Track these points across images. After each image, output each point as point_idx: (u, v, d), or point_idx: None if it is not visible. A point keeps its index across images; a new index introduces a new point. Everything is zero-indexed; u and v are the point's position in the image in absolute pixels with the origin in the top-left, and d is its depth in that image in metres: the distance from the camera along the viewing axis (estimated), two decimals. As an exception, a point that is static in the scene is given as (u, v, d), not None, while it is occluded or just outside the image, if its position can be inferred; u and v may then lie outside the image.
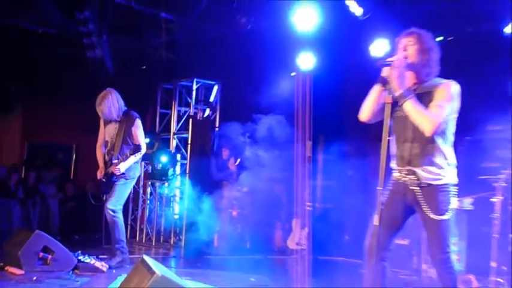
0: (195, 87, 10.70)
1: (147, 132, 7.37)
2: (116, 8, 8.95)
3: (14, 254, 6.13)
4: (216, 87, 10.80)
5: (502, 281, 6.51)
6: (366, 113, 4.21)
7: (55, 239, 6.47)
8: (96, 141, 7.15)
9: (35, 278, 5.75)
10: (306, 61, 9.66)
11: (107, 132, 6.99)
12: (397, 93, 3.91)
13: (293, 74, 10.01)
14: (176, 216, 10.58)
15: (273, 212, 10.27)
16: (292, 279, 8.08)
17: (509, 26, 8.20)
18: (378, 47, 8.53)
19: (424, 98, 4.02)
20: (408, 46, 4.10)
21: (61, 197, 11.00)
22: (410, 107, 3.90)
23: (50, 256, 6.24)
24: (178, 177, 10.78)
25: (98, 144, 7.10)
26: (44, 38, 8.99)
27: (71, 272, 6.21)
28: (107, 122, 7.00)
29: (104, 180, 6.91)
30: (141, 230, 10.75)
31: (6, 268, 6.10)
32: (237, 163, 9.99)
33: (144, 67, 10.57)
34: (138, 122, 6.97)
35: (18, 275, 5.89)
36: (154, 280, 3.75)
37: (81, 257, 6.52)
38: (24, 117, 12.03)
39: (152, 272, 3.81)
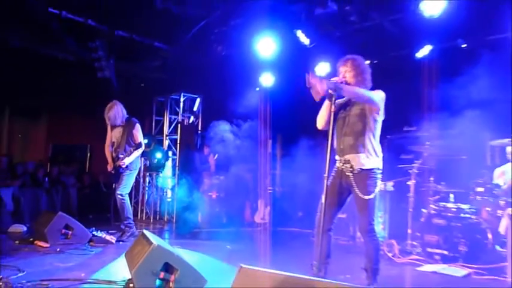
0: (182, 99, 10.74)
1: (145, 134, 7.40)
2: (120, 39, 8.97)
3: (41, 231, 6.13)
4: (198, 100, 10.84)
5: (415, 243, 6.64)
6: (320, 122, 4.29)
7: (74, 218, 6.47)
8: (105, 142, 7.17)
9: (58, 249, 5.76)
10: (267, 79, 9.79)
11: (114, 135, 7.03)
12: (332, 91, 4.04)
13: (257, 89, 10.10)
14: (169, 200, 10.59)
15: (243, 195, 10.33)
16: (258, 245, 8.16)
17: (420, 51, 8.38)
18: (321, 69, 8.64)
19: (359, 103, 4.16)
20: (346, 72, 4.22)
21: (79, 186, 10.95)
22: (347, 88, 4.08)
23: (70, 232, 6.25)
24: (170, 168, 10.78)
25: (106, 144, 7.12)
26: (64, 63, 8.96)
27: (86, 244, 6.26)
28: (113, 127, 7.04)
29: (113, 172, 6.94)
30: (142, 210, 10.75)
31: (35, 242, 6.09)
32: (215, 157, 10.02)
33: (143, 84, 10.57)
34: (138, 126, 7.05)
35: (45, 247, 5.89)
36: (152, 249, 3.77)
37: (95, 232, 6.56)
38: (49, 124, 11.97)
39: (150, 243, 3.84)
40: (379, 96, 4.12)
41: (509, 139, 6.24)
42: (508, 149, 6.45)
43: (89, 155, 12.67)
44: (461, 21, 7.49)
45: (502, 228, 5.92)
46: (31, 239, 6.24)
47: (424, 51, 8.35)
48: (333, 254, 4.30)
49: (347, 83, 4.15)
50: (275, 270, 2.85)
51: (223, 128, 9.54)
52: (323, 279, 3.58)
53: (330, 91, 4.06)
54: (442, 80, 8.32)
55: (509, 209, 5.88)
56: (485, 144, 7.36)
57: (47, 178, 10.52)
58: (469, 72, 7.59)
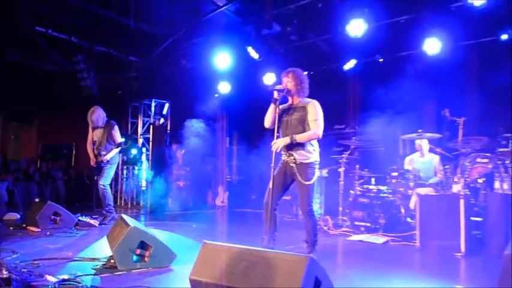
0: (153, 104, 10.56)
1: (122, 134, 7.23)
2: (100, 54, 8.77)
3: (33, 218, 5.91)
4: (167, 104, 10.67)
5: (345, 218, 6.76)
6: (267, 122, 4.30)
7: (62, 206, 6.27)
8: (87, 140, 6.99)
9: (48, 233, 5.56)
10: (224, 87, 9.75)
11: (95, 135, 6.87)
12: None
13: (216, 95, 10.06)
14: (144, 188, 10.41)
15: (206, 183, 10.31)
16: (219, 224, 8.16)
17: (347, 64, 8.53)
18: (268, 79, 8.68)
19: (300, 110, 4.20)
20: (288, 82, 4.24)
21: (65, 179, 10.62)
22: (299, 138, 4.09)
23: (58, 218, 6.03)
24: (145, 161, 10.61)
25: (88, 142, 6.94)
26: (51, 74, 8.69)
27: (73, 227, 6.06)
28: (95, 128, 6.88)
29: (95, 166, 6.77)
30: (121, 198, 10.51)
31: (27, 228, 5.86)
32: (182, 152, 9.93)
33: (120, 92, 10.33)
34: (116, 128, 6.92)
35: (36, 232, 5.67)
36: (130, 230, 3.73)
37: (80, 218, 6.39)
38: (39, 127, 11.57)
39: (128, 225, 3.79)
40: (320, 119, 4.17)
41: (416, 134, 6.43)
42: (417, 141, 6.65)
43: (74, 152, 12.30)
44: (378, 40, 7.68)
45: (412, 204, 6.12)
46: (24, 225, 6.01)
47: (350, 65, 8.49)
48: (280, 229, 4.33)
49: (288, 90, 4.19)
50: (233, 244, 2.86)
51: (191, 127, 9.48)
52: (272, 250, 3.62)
53: (275, 96, 4.10)
54: (364, 88, 8.53)
55: (417, 189, 6.09)
56: (397, 138, 7.56)
57: (37, 173, 10.19)
58: (385, 81, 7.80)
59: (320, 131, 4.12)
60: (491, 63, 6.96)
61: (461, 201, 4.93)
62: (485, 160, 5.76)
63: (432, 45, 7.11)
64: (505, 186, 5.30)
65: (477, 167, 5.80)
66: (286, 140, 4.09)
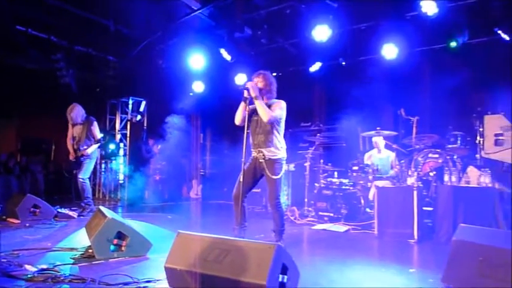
0: (130, 102, 10.34)
1: (101, 130, 7.04)
2: (79, 53, 8.54)
3: (13, 210, 5.68)
4: (144, 102, 10.46)
5: (310, 209, 6.83)
6: (238, 119, 4.28)
7: (41, 199, 6.06)
8: (66, 136, 6.79)
9: (27, 224, 5.38)
10: (198, 86, 9.65)
11: (75, 131, 6.68)
12: (253, 96, 4.04)
13: (191, 94, 9.96)
14: (121, 181, 10.21)
15: (181, 176, 10.21)
16: (193, 215, 8.10)
17: (313, 67, 8.57)
18: (240, 79, 8.65)
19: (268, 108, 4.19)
20: (258, 82, 4.23)
21: (45, 173, 10.29)
22: (258, 104, 4.07)
23: (37, 210, 5.83)
24: (122, 156, 10.41)
25: (68, 138, 6.74)
26: (31, 71, 8.38)
27: (52, 219, 5.88)
28: (74, 125, 6.69)
29: (74, 160, 6.59)
30: (99, 190, 10.28)
31: (7, 219, 5.65)
32: (158, 147, 9.79)
33: (98, 89, 10.06)
34: (95, 124, 6.73)
35: (16, 223, 5.48)
36: (107, 221, 3.66)
37: (59, 210, 6.20)
38: (19, 122, 11.13)
39: (105, 216, 3.71)
40: (278, 112, 4.16)
41: (374, 131, 6.54)
42: (373, 138, 6.77)
43: (53, 147, 11.93)
44: (341, 45, 7.78)
45: (371, 195, 6.23)
46: (4, 217, 5.77)
47: (315, 67, 8.54)
48: (250, 219, 4.33)
49: (260, 89, 4.18)
50: (206, 234, 2.83)
51: (167, 124, 9.38)
52: (242, 239, 3.61)
53: (249, 95, 4.08)
54: (328, 88, 8.61)
55: (375, 181, 6.20)
56: (358, 135, 7.67)
57: (17, 166, 9.84)
58: (347, 83, 7.90)
59: (272, 115, 4.09)
60: (442, 67, 7.14)
61: (415, 193, 5.05)
62: (436, 155, 5.92)
63: (390, 51, 7.23)
64: (453, 178, 5.45)
65: (429, 162, 5.95)
66: (256, 90, 4.06)
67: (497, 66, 6.43)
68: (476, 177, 5.44)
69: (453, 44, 6.73)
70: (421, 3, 6.20)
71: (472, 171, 5.61)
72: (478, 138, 6.09)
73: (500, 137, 6.08)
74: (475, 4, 6.40)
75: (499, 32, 6.52)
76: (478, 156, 6.05)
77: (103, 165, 10.39)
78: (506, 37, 6.53)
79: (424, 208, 5.45)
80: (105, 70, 9.48)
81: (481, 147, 6.09)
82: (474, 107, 6.32)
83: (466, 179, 5.50)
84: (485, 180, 5.30)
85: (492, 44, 6.86)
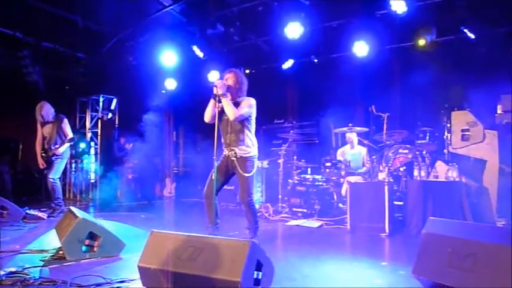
0: (101, 100, 10.13)
1: (71, 129, 6.85)
2: (46, 49, 8.28)
3: (-21, 212, 5.49)
4: (115, 100, 10.27)
5: (284, 205, 6.86)
6: (207, 117, 4.25)
7: (8, 200, 5.86)
8: (35, 136, 6.57)
9: (-6, 227, 5.21)
10: (170, 84, 9.56)
11: (45, 131, 6.47)
12: (219, 94, 4.02)
13: (163, 91, 9.85)
14: (92, 181, 9.99)
15: (154, 174, 10.07)
16: (166, 213, 8.02)
17: (285, 64, 8.61)
18: (212, 76, 8.61)
19: (237, 106, 4.16)
20: (228, 80, 4.21)
21: (12, 173, 9.95)
22: (225, 101, 4.04)
23: (4, 212, 5.63)
24: (93, 154, 10.18)
25: (38, 139, 6.51)
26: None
27: (21, 221, 5.69)
28: (44, 124, 6.48)
29: (43, 164, 6.40)
30: (70, 191, 10.03)
31: (-27, 222, 5.45)
32: (130, 146, 9.63)
33: (67, 87, 9.79)
34: (66, 121, 6.55)
35: (-18, 226, 5.29)
36: (78, 221, 3.58)
37: (28, 211, 6.01)
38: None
39: (76, 217, 3.64)
40: (245, 110, 4.13)
41: (347, 128, 6.62)
42: (347, 134, 6.86)
43: (21, 146, 11.55)
44: (313, 42, 7.84)
45: (343, 191, 6.31)
46: (-30, 220, 5.57)
47: (288, 64, 8.58)
48: (224, 216, 4.34)
49: (229, 87, 4.16)
50: (180, 232, 2.81)
51: (139, 122, 9.24)
52: (216, 236, 3.60)
53: (217, 93, 4.05)
54: (301, 85, 8.67)
55: (348, 177, 6.29)
56: (330, 131, 7.76)
57: (-17, 167, 9.48)
58: (319, 80, 7.98)
59: (239, 114, 4.07)
60: (411, 65, 7.30)
61: (386, 188, 5.15)
62: (406, 151, 6.06)
63: (360, 48, 7.33)
64: (423, 173, 5.60)
65: (399, 157, 6.08)
66: (223, 88, 4.04)
67: (464, 63, 6.63)
68: (444, 172, 5.60)
69: (421, 42, 6.89)
70: (391, 2, 6.31)
71: (440, 165, 5.77)
72: (445, 133, 6.27)
73: (467, 132, 6.28)
74: (442, 3, 6.57)
75: (465, 30, 6.72)
76: (445, 151, 6.23)
77: (73, 165, 10.14)
78: (472, 36, 6.74)
79: (395, 202, 5.58)
80: (74, 67, 9.22)
81: (449, 142, 6.28)
82: (442, 104, 6.50)
83: (434, 173, 5.66)
84: (453, 174, 5.46)
85: (458, 42, 7.06)
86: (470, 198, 5.48)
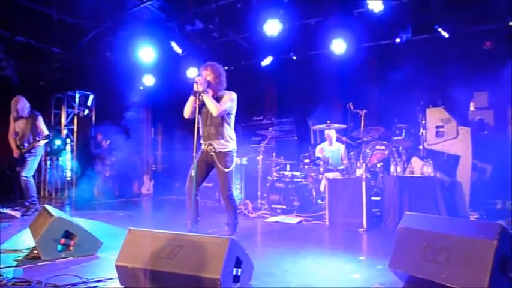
0: (77, 96, 9.92)
1: (45, 125, 6.68)
2: (20, 44, 8.06)
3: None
4: (91, 96, 10.08)
5: (263, 202, 6.87)
6: (187, 113, 4.20)
7: (-20, 200, 5.69)
8: (6, 132, 6.38)
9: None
10: (149, 80, 9.45)
11: (17, 126, 6.28)
12: (200, 91, 3.99)
13: (141, 87, 9.72)
14: (68, 179, 9.80)
15: (132, 172, 9.94)
16: (144, 211, 7.93)
17: (264, 61, 8.61)
18: (191, 72, 8.55)
19: (218, 100, 4.15)
20: (207, 75, 4.17)
21: (-16, 170, 9.67)
22: (206, 98, 4.02)
23: (-24, 211, 5.48)
24: (69, 152, 9.97)
25: (10, 134, 6.33)
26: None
27: (-7, 220, 5.54)
28: (17, 118, 6.29)
29: (18, 157, 6.22)
30: (44, 189, 9.82)
31: None
32: (107, 143, 9.47)
33: (42, 83, 9.55)
34: (41, 118, 6.37)
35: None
36: (53, 220, 3.49)
37: (0, 210, 5.85)
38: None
39: (51, 215, 3.55)
40: (228, 104, 4.13)
41: (325, 125, 6.67)
42: (326, 131, 6.91)
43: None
44: (292, 40, 7.87)
45: (322, 187, 6.37)
46: None
47: (267, 61, 8.59)
48: (203, 213, 4.30)
49: (210, 83, 4.13)
50: (158, 230, 2.78)
51: (116, 118, 9.10)
52: (195, 234, 3.58)
53: (197, 89, 4.02)
54: (280, 82, 8.69)
55: (326, 173, 6.35)
56: (309, 128, 7.81)
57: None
58: (298, 77, 8.02)
59: (221, 108, 4.05)
60: (388, 63, 7.41)
61: (363, 184, 5.22)
62: (383, 147, 6.15)
63: (338, 46, 7.40)
64: (399, 169, 5.69)
65: (376, 154, 6.16)
66: (204, 85, 4.01)
67: (438, 62, 6.76)
68: (419, 167, 5.71)
69: (397, 40, 7.00)
70: (368, 0, 6.39)
71: (415, 161, 5.88)
72: (421, 130, 6.39)
73: (441, 129, 6.42)
74: (417, 3, 6.68)
75: (439, 29, 6.86)
76: (421, 147, 6.35)
77: (48, 162, 9.92)
78: (446, 34, 6.88)
79: (372, 198, 5.65)
80: (49, 62, 9.01)
81: (424, 138, 6.40)
82: (417, 101, 6.61)
83: (410, 169, 5.77)
84: (428, 170, 5.57)
85: (433, 40, 7.20)
86: (445, 193, 5.61)
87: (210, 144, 4.14)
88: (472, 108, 6.94)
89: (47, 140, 6.37)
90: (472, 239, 2.32)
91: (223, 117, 4.14)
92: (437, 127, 6.44)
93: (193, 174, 4.04)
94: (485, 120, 6.64)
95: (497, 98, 6.62)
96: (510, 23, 6.37)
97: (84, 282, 2.85)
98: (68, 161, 9.95)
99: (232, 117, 4.26)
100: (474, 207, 6.06)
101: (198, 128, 4.14)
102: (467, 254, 2.28)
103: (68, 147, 9.95)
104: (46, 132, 6.35)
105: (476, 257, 2.22)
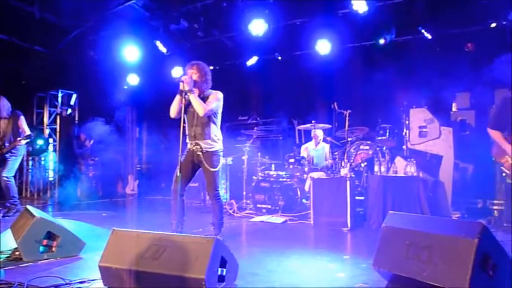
0: (60, 95, 9.78)
1: (28, 124, 6.56)
2: (1, 42, 7.91)
3: None
4: (75, 95, 9.94)
5: (248, 201, 6.87)
6: (173, 112, 4.16)
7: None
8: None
9: None
10: (133, 79, 9.37)
11: None
12: (186, 90, 3.96)
13: (125, 87, 9.63)
14: (51, 179, 9.65)
15: (116, 172, 9.83)
16: (128, 211, 7.86)
17: (249, 61, 8.61)
18: (176, 72, 8.50)
19: (204, 100, 4.13)
20: (193, 74, 4.14)
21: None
22: (193, 98, 4.00)
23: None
24: (52, 152, 9.82)
25: None
26: None
27: (-27, 221, 5.41)
28: None
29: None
30: (26, 189, 9.65)
31: None
32: (91, 142, 9.35)
33: (24, 82, 9.38)
34: (23, 118, 6.25)
35: None
36: (35, 221, 3.43)
37: (-20, 210, 5.73)
38: None
39: (33, 216, 3.48)
40: (214, 104, 4.11)
41: (310, 124, 6.70)
42: (313, 131, 6.93)
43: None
44: (277, 40, 7.89)
45: (307, 186, 6.40)
46: None
47: (252, 61, 8.59)
48: (188, 213, 4.28)
49: (196, 82, 4.11)
50: (142, 230, 2.76)
51: (100, 118, 9.01)
52: (181, 234, 3.56)
53: (184, 88, 3.99)
54: (265, 82, 8.69)
55: (311, 173, 6.38)
56: (294, 128, 7.83)
57: None
58: (283, 77, 8.04)
59: (208, 109, 4.04)
60: (372, 63, 7.48)
61: (348, 183, 5.26)
62: (367, 147, 6.21)
63: (323, 46, 7.45)
64: (383, 169, 5.75)
65: (360, 153, 6.22)
66: (190, 84, 3.98)
67: (421, 63, 6.85)
68: (403, 167, 5.78)
69: (381, 41, 7.07)
70: (352, 1, 6.45)
71: (399, 161, 5.96)
72: (404, 130, 6.46)
73: (424, 129, 6.51)
74: (401, 4, 6.76)
75: (422, 30, 6.96)
76: (404, 147, 6.43)
77: (30, 163, 9.75)
78: (429, 36, 6.98)
79: (357, 197, 5.70)
80: (31, 61, 8.85)
81: (407, 138, 6.47)
82: (401, 101, 6.69)
83: (394, 168, 5.83)
84: (411, 169, 5.65)
85: (416, 41, 7.30)
86: (427, 192, 5.69)
87: (197, 144, 4.12)
88: (454, 109, 7.05)
89: (28, 140, 6.25)
90: (453, 237, 2.36)
91: (209, 117, 4.12)
92: (420, 127, 6.53)
93: (178, 174, 4.01)
94: (467, 121, 6.75)
95: (478, 99, 6.74)
96: (491, 25, 6.49)
97: (67, 284, 2.81)
98: (50, 161, 9.80)
99: (219, 116, 4.25)
100: (456, 206, 6.16)
101: (184, 127, 4.12)
102: (449, 252, 2.31)
103: (51, 147, 9.80)
104: (28, 131, 6.23)
105: (458, 255, 2.26)
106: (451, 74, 6.74)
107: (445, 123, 6.49)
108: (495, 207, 5.82)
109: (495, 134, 3.76)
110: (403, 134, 6.46)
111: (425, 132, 6.48)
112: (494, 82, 6.12)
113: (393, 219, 2.81)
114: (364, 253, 3.85)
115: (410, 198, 5.31)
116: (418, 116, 6.60)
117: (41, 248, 3.45)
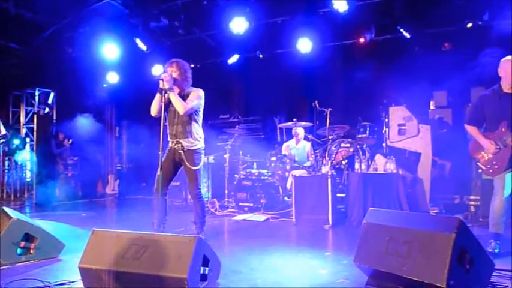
0: (37, 93, 9.57)
1: (3, 124, 6.39)
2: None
3: None
4: (52, 94, 9.75)
5: (230, 200, 6.86)
6: (153, 111, 4.11)
7: None
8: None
9: None
10: (112, 77, 9.25)
11: None
12: (166, 88, 3.93)
13: (104, 85, 9.49)
14: (28, 179, 9.44)
15: (95, 171, 9.68)
16: (109, 211, 7.76)
17: (231, 59, 8.59)
18: (156, 70, 8.43)
19: (185, 98, 4.10)
20: (172, 72, 4.10)
21: None
22: (173, 96, 3.96)
23: None
24: (29, 152, 9.61)
25: None
26: None
27: None
28: None
29: None
30: (3, 190, 9.43)
31: None
32: (70, 142, 9.19)
33: (-1, 80, 9.17)
34: None
35: None
36: (12, 222, 3.37)
37: (-46, 212, 5.55)
38: None
39: (10, 218, 3.41)
40: (195, 102, 4.08)
41: (291, 123, 6.73)
42: (294, 129, 6.96)
43: None
44: (258, 38, 7.90)
45: (288, 184, 6.43)
46: None
47: (233, 59, 8.57)
48: (170, 213, 4.26)
49: (176, 80, 4.07)
50: (123, 231, 2.73)
51: (79, 117, 8.85)
52: (162, 233, 3.53)
53: (163, 87, 3.95)
54: (246, 81, 8.70)
55: (293, 171, 6.41)
56: (275, 126, 7.85)
57: None
58: (264, 75, 8.05)
59: (187, 107, 4.01)
60: (352, 62, 7.55)
61: (329, 181, 5.31)
62: (348, 145, 6.28)
63: (304, 45, 7.49)
64: (363, 166, 5.82)
65: (341, 151, 6.28)
66: (170, 83, 3.93)
67: (400, 61, 6.95)
68: (382, 164, 5.87)
69: (361, 40, 7.15)
70: (333, 0, 6.50)
71: (379, 158, 6.04)
72: (384, 128, 6.55)
73: (403, 127, 6.61)
74: (380, 4, 6.85)
75: (401, 30, 7.06)
76: (384, 144, 6.52)
77: (6, 163, 9.53)
78: (407, 35, 7.09)
79: (338, 195, 5.76)
80: (6, 58, 8.62)
81: (387, 136, 6.57)
82: (380, 100, 6.78)
83: (374, 166, 5.92)
84: (391, 166, 5.73)
85: (395, 41, 7.41)
86: (406, 189, 5.80)
87: (178, 142, 4.10)
88: (432, 107, 7.19)
89: (4, 140, 6.10)
90: (432, 232, 2.41)
91: (191, 115, 4.10)
92: (399, 125, 6.63)
93: (159, 173, 3.98)
94: (444, 119, 6.89)
95: (455, 97, 6.89)
96: (468, 25, 6.63)
97: (46, 286, 2.77)
98: (27, 161, 9.59)
99: (200, 114, 4.23)
100: (434, 202, 6.28)
101: (165, 126, 4.08)
102: (427, 247, 2.36)
103: (28, 147, 9.60)
104: (3, 131, 6.06)
105: (436, 250, 2.31)
106: (429, 72, 6.87)
107: (423, 121, 6.61)
108: (471, 203, 5.97)
109: (472, 129, 3.85)
110: (383, 131, 6.54)
111: (404, 130, 6.58)
112: (471, 81, 6.26)
113: (373, 215, 2.86)
114: (345, 249, 3.90)
115: (390, 194, 5.40)
116: (397, 114, 6.69)
117: (19, 250, 3.39)
